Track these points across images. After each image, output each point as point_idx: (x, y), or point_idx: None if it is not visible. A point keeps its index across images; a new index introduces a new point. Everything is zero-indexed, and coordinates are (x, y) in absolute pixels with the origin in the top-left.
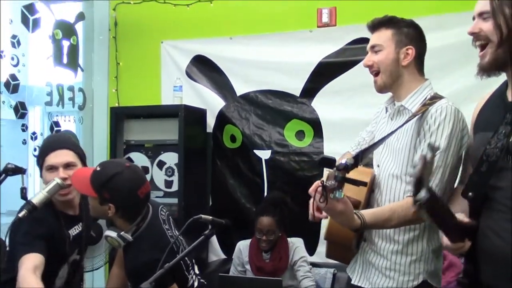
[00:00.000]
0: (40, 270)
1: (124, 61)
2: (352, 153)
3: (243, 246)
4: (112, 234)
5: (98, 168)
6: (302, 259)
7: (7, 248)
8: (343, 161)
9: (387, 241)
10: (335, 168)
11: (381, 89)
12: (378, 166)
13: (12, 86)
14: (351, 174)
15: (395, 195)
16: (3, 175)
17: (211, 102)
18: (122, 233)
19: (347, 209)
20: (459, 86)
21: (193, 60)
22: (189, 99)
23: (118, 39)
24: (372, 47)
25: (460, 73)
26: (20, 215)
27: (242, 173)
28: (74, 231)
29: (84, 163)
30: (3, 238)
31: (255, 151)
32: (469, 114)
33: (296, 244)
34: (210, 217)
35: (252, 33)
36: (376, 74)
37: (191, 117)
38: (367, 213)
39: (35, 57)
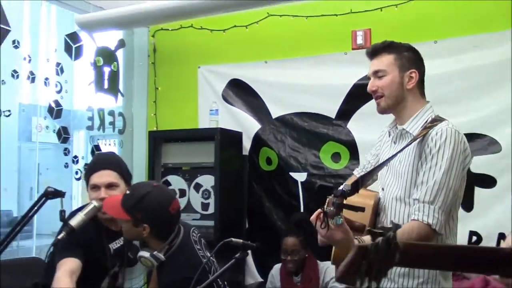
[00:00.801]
0: (76, 275)
1: (162, 86)
2: (358, 176)
3: (275, 270)
4: (145, 254)
5: (128, 192)
6: (333, 280)
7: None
8: (340, 188)
9: None
10: (332, 195)
11: (383, 111)
12: (383, 189)
13: (56, 111)
14: (355, 198)
15: (399, 218)
16: (44, 198)
17: (247, 125)
18: (155, 252)
19: (347, 237)
20: (495, 107)
21: (229, 84)
22: (226, 122)
23: (157, 65)
24: (375, 72)
25: (497, 94)
26: (59, 237)
27: (278, 196)
28: (115, 245)
29: (128, 183)
30: (44, 258)
31: (291, 173)
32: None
33: (327, 264)
34: (241, 241)
35: (287, 56)
36: (379, 97)
37: (227, 140)
38: (369, 240)
39: (78, 83)
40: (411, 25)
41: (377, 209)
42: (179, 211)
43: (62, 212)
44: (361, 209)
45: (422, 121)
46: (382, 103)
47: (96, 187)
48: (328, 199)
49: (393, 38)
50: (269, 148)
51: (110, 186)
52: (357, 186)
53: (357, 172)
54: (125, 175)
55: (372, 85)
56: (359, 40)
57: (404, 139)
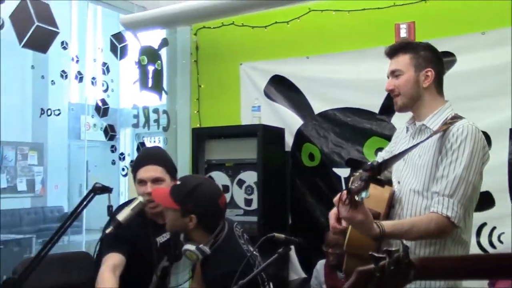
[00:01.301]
0: (119, 270)
1: (205, 83)
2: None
3: (320, 265)
4: (191, 247)
5: (179, 182)
6: None
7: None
8: (369, 163)
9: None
10: (361, 170)
11: (400, 110)
12: (399, 182)
13: (102, 110)
14: (371, 190)
15: (416, 211)
16: (92, 194)
17: (289, 121)
18: (200, 246)
19: (367, 219)
20: None
21: (271, 80)
22: (268, 118)
23: (200, 63)
24: (392, 72)
25: None
26: (107, 231)
27: (321, 191)
28: (162, 238)
29: (174, 177)
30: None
31: (334, 169)
32: None
33: None
34: (283, 236)
35: (328, 51)
36: (396, 96)
37: (270, 136)
38: (387, 224)
39: (123, 82)
40: (457, 17)
41: (392, 201)
42: (226, 205)
43: (109, 207)
44: (387, 182)
45: (443, 118)
46: (399, 101)
47: (142, 182)
48: (352, 177)
49: (438, 30)
50: (311, 144)
51: (156, 180)
52: (380, 166)
53: None
54: (171, 169)
55: (389, 84)
56: (403, 33)
57: (423, 135)
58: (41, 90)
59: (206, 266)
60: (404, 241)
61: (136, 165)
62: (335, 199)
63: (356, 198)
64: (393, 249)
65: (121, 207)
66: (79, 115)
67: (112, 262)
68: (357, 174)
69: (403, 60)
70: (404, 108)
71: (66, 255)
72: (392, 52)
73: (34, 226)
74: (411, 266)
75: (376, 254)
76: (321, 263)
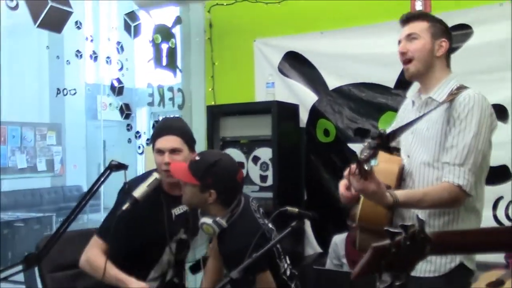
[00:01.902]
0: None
1: (219, 61)
2: None
3: (339, 240)
4: (208, 221)
5: (197, 158)
6: None
7: None
8: (376, 131)
9: None
10: (369, 140)
11: (412, 77)
12: (408, 156)
13: (118, 89)
14: (381, 164)
15: (428, 183)
16: (108, 171)
17: (304, 97)
18: (217, 219)
19: (380, 189)
20: None
21: (285, 57)
22: (282, 95)
23: (213, 40)
24: (408, 35)
25: None
26: (124, 208)
27: (336, 167)
28: (178, 210)
29: (192, 148)
30: None
31: (349, 144)
32: None
33: None
34: (297, 209)
35: (343, 26)
36: (408, 61)
37: (284, 112)
38: (400, 193)
39: (138, 61)
40: None
41: (402, 175)
42: (243, 180)
43: (125, 184)
44: (396, 149)
45: (448, 89)
46: (412, 67)
47: (160, 152)
48: (361, 149)
49: (452, 3)
50: (326, 120)
51: (173, 151)
52: (389, 136)
53: None
54: (189, 141)
55: (403, 47)
56: (418, 6)
57: (430, 107)
58: (57, 70)
59: (223, 239)
60: (419, 214)
61: (155, 135)
62: (345, 172)
63: (366, 167)
64: (409, 224)
65: (135, 181)
66: (96, 95)
67: (102, 249)
68: (366, 144)
69: (421, 26)
70: (416, 75)
71: (86, 232)
72: (408, 18)
73: (54, 205)
74: (427, 241)
75: (391, 229)
76: (340, 237)
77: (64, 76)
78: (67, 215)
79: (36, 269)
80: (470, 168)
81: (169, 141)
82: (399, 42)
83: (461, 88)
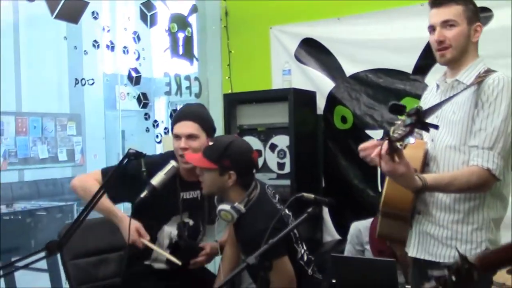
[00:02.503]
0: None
1: (235, 49)
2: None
3: (363, 227)
4: (226, 207)
5: (211, 143)
6: None
7: None
8: (413, 107)
9: (446, 211)
10: (403, 119)
11: (448, 63)
12: (432, 140)
13: (135, 78)
14: (406, 149)
15: (454, 167)
16: (126, 159)
17: (321, 84)
18: (235, 204)
19: (409, 171)
20: None
21: (302, 43)
22: (299, 82)
23: (229, 28)
24: (445, 22)
25: None
26: (142, 195)
27: (354, 154)
28: (188, 195)
29: (210, 136)
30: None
31: (366, 131)
32: None
33: None
34: (313, 195)
35: (360, 12)
36: (445, 48)
37: (301, 100)
38: (428, 176)
39: (154, 51)
40: None
41: (426, 160)
42: (258, 161)
43: (143, 172)
44: (435, 126)
45: (476, 72)
46: (448, 54)
47: (178, 137)
48: (393, 127)
49: None
50: (343, 107)
51: (190, 136)
52: (425, 114)
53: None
54: (207, 127)
55: (440, 35)
56: None
57: (456, 91)
58: (75, 60)
59: (240, 225)
60: (444, 199)
61: (174, 120)
62: (374, 154)
63: (399, 145)
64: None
65: (154, 162)
66: (114, 85)
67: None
68: (400, 122)
69: (457, 11)
70: (453, 61)
71: (103, 219)
72: (442, 1)
73: (75, 194)
74: (472, 270)
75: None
76: (364, 224)
77: (83, 66)
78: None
79: (58, 256)
80: (499, 152)
81: (186, 127)
82: (431, 27)
83: (488, 71)
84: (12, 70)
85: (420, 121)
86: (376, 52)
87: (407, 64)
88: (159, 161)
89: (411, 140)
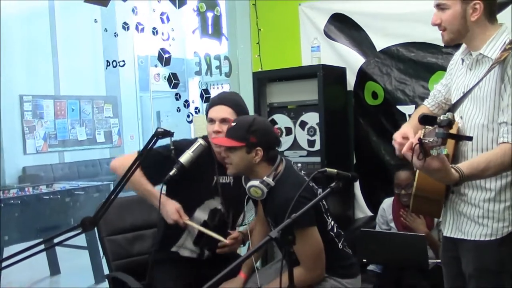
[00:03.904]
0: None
1: (264, 27)
2: (429, 107)
3: (386, 205)
4: (255, 182)
5: (234, 123)
6: None
7: None
8: (445, 118)
9: (478, 190)
10: (436, 126)
11: (448, 43)
12: (461, 117)
13: (165, 59)
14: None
15: (482, 144)
16: (154, 138)
17: (351, 60)
18: (264, 178)
19: (445, 165)
20: None
21: (331, 19)
22: (329, 58)
23: (258, 6)
24: (438, 5)
25: None
26: (171, 173)
27: (386, 130)
28: (222, 179)
29: None
30: None
31: (398, 106)
32: None
33: None
34: (335, 170)
35: None
36: (443, 29)
37: (331, 76)
38: (464, 166)
39: (184, 31)
40: None
41: None
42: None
43: (172, 150)
44: (469, 138)
45: (500, 43)
46: (446, 36)
47: (212, 121)
48: (423, 130)
49: None
50: (374, 82)
51: (223, 120)
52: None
53: (427, 103)
54: (241, 113)
55: (435, 18)
56: None
57: (482, 64)
58: (108, 43)
59: (270, 198)
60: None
61: (208, 105)
62: (405, 149)
63: (432, 153)
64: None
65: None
66: (146, 66)
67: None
68: (432, 128)
69: None
70: (451, 42)
71: (134, 197)
72: None
73: (112, 175)
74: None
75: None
76: (387, 202)
77: (113, 48)
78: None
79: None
80: None
81: (220, 111)
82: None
83: None
84: (49, 54)
85: (452, 135)
86: (408, 25)
87: (439, 37)
88: (189, 144)
89: (442, 151)
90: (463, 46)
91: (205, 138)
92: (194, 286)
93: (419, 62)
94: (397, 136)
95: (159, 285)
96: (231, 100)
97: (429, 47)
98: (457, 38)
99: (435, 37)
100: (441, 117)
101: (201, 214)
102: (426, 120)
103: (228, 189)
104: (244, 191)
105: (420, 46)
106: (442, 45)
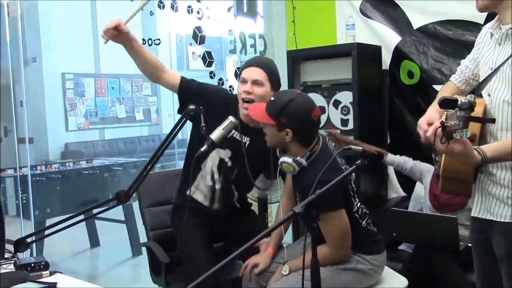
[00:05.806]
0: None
1: (300, 5)
2: (456, 83)
3: (421, 188)
4: (288, 159)
5: (273, 98)
6: None
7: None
8: (466, 100)
9: (507, 170)
10: (457, 109)
11: (482, 10)
12: (489, 95)
13: (200, 37)
14: None
15: (509, 123)
16: (184, 118)
17: (386, 38)
18: (297, 158)
19: (467, 148)
20: None
21: None
22: (364, 37)
23: None
24: None
25: None
26: (202, 149)
27: (421, 110)
28: (237, 135)
29: (274, 87)
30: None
31: (434, 86)
32: None
33: None
34: (361, 148)
35: None
36: None
37: (365, 55)
38: (488, 148)
39: (219, 9)
40: None
41: (485, 115)
42: (320, 118)
43: (203, 127)
44: (491, 120)
45: None
46: (480, 2)
47: (244, 81)
48: (446, 113)
49: None
50: (410, 61)
51: (255, 82)
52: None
53: (454, 79)
54: (273, 79)
55: None
56: None
57: (511, 40)
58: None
59: (301, 176)
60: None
61: (243, 67)
62: (429, 133)
63: (454, 136)
64: None
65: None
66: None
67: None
68: (454, 111)
69: None
70: (485, 9)
71: (178, 172)
72: None
73: (150, 152)
74: None
75: None
76: (421, 186)
77: (149, 27)
78: (162, 161)
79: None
80: None
81: (253, 72)
82: None
83: None
84: (90, 33)
85: (473, 118)
86: (445, 3)
87: (478, 14)
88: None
89: (464, 134)
90: (494, 20)
91: (234, 97)
92: (209, 237)
93: (456, 41)
94: (422, 123)
95: (176, 232)
96: (266, 65)
97: (467, 24)
98: (492, 5)
99: (473, 14)
100: (462, 100)
101: (212, 162)
102: (446, 103)
103: (240, 147)
104: (254, 158)
105: (458, 24)
106: (481, 22)
